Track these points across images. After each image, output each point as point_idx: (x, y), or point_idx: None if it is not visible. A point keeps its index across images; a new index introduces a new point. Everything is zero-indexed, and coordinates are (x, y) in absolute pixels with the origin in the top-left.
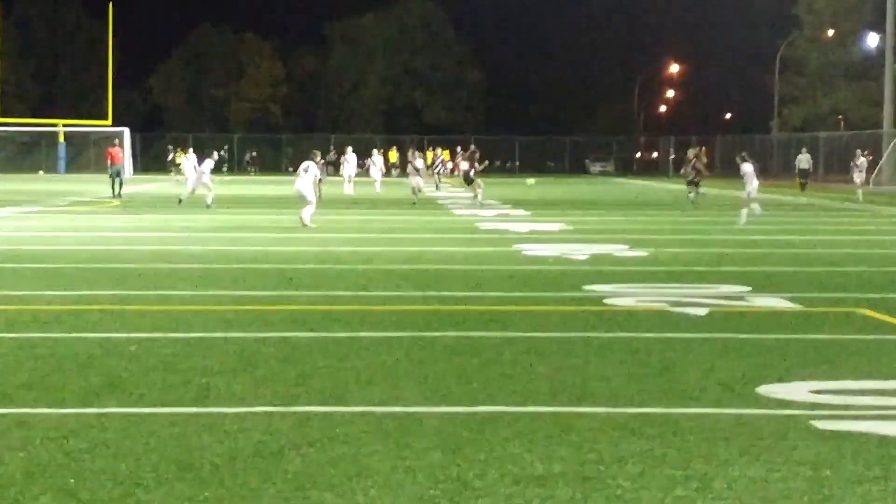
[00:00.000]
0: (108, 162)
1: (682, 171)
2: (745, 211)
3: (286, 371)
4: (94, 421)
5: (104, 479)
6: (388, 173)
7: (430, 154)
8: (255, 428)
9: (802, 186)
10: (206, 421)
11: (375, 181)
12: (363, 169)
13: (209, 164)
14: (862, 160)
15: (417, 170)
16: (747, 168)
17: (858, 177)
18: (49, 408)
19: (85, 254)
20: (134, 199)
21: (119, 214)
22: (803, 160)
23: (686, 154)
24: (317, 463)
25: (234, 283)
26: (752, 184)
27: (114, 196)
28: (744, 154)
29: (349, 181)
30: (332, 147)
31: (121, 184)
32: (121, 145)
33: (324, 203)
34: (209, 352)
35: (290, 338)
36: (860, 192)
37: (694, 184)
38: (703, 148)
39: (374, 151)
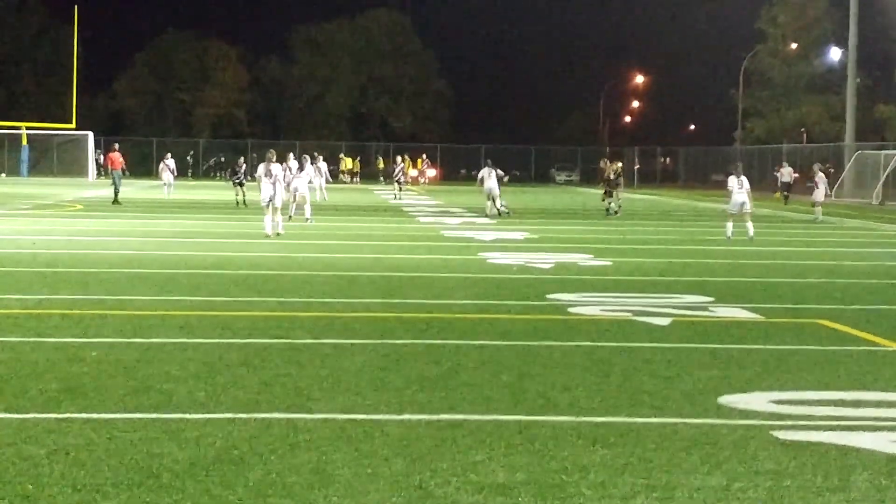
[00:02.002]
0: (109, 167)
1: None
2: (748, 224)
3: (248, 377)
4: (53, 426)
5: (63, 485)
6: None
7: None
8: (217, 434)
9: (785, 199)
10: (167, 427)
11: (321, 188)
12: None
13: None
14: (820, 175)
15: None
16: (731, 183)
17: (817, 193)
18: (7, 413)
19: (46, 258)
20: (96, 203)
21: (81, 218)
22: (785, 173)
23: (600, 166)
24: (279, 470)
25: (197, 289)
26: (733, 199)
27: (114, 200)
28: (730, 169)
29: (321, 188)
30: (271, 150)
31: (116, 189)
32: (119, 150)
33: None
34: (171, 357)
35: (252, 344)
36: (819, 209)
37: (608, 194)
38: (606, 161)
39: (318, 157)
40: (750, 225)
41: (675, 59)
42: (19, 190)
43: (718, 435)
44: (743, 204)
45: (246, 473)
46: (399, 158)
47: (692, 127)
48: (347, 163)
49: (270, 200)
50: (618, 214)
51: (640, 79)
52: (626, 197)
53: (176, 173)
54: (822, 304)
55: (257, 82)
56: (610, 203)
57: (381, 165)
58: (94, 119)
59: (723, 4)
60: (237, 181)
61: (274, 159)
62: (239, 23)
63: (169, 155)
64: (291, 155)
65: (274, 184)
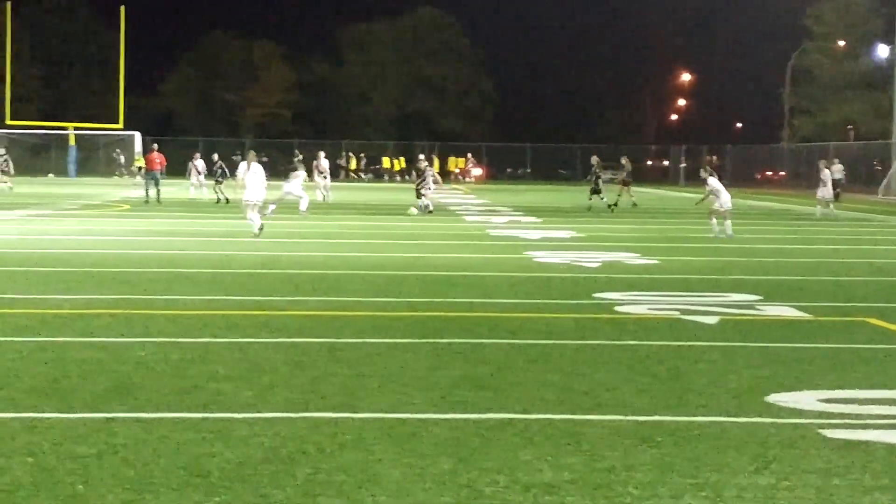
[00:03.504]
0: (146, 167)
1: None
2: (728, 223)
3: (296, 377)
4: (102, 426)
5: (113, 484)
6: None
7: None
8: (265, 434)
9: (836, 196)
10: (215, 426)
11: (325, 188)
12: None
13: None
14: (826, 172)
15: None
16: (714, 182)
17: (822, 191)
18: (57, 413)
19: (94, 257)
20: (143, 203)
21: (129, 218)
22: (836, 170)
23: (621, 162)
24: (326, 469)
25: (243, 289)
26: (724, 197)
27: (146, 200)
28: (708, 168)
29: (325, 189)
30: (296, 151)
31: (157, 190)
32: (160, 151)
33: (329, 207)
34: (218, 357)
35: (299, 343)
36: (825, 206)
37: (596, 192)
38: (627, 158)
39: (321, 154)
40: (728, 223)
41: (721, 57)
42: (67, 190)
43: (766, 434)
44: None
45: (294, 473)
46: (422, 157)
47: (738, 125)
48: (353, 162)
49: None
50: (614, 208)
51: (686, 77)
52: (673, 195)
53: (205, 173)
54: (871, 302)
55: (303, 82)
56: (619, 197)
57: (388, 165)
58: (141, 119)
59: (769, 2)
60: (217, 179)
61: (256, 159)
62: (285, 23)
63: (197, 155)
64: (322, 154)
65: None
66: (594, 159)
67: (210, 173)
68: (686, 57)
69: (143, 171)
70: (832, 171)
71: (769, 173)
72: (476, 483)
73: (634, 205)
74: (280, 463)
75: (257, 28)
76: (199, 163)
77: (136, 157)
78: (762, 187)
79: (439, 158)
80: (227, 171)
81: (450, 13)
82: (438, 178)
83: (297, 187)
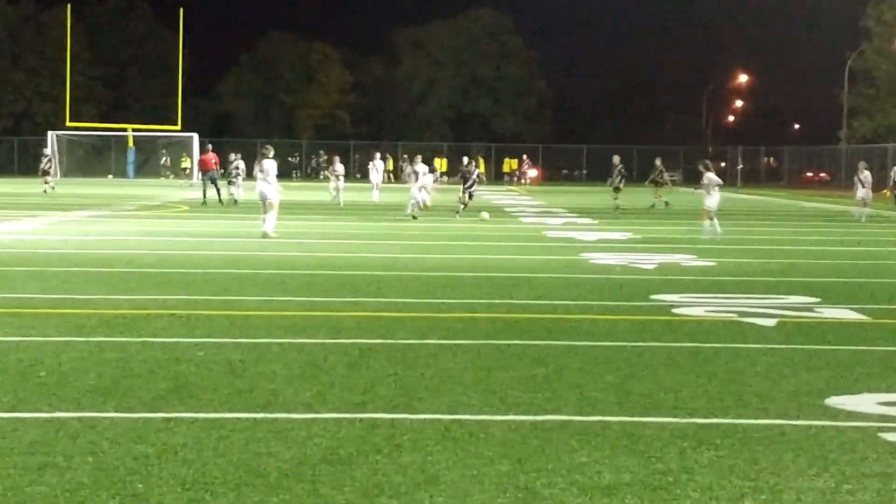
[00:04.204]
0: (202, 167)
1: (609, 181)
2: (714, 221)
3: (353, 378)
4: (162, 426)
5: (172, 483)
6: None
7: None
8: (323, 434)
9: None
10: (273, 427)
11: (374, 187)
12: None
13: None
14: (866, 174)
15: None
16: (712, 177)
17: (862, 192)
18: (117, 412)
19: (153, 258)
20: (201, 205)
21: (187, 219)
22: None
23: (656, 164)
24: (384, 470)
25: (301, 289)
26: (714, 196)
27: (204, 202)
28: (707, 162)
29: (376, 188)
30: (321, 152)
31: (217, 190)
32: (214, 151)
33: (377, 208)
34: (276, 357)
35: (357, 344)
36: (866, 209)
37: (616, 189)
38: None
39: (377, 155)
40: (715, 222)
41: (778, 58)
42: (126, 191)
43: (826, 437)
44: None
45: (352, 473)
46: (465, 159)
47: (796, 126)
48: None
49: (264, 198)
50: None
51: (743, 78)
52: (731, 196)
53: (245, 174)
54: None
55: (360, 84)
56: (658, 199)
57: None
58: (199, 121)
59: (828, 2)
60: (231, 179)
61: (270, 155)
62: (342, 25)
63: (238, 155)
64: (378, 154)
65: (266, 180)
66: (616, 158)
67: (226, 173)
68: (743, 58)
69: (188, 171)
70: (893, 172)
71: (822, 175)
72: (533, 485)
73: (666, 203)
74: (338, 464)
75: (315, 30)
76: (240, 163)
77: (183, 157)
78: (819, 188)
79: (494, 160)
80: (243, 170)
81: (505, 14)
82: (482, 176)
83: (270, 191)
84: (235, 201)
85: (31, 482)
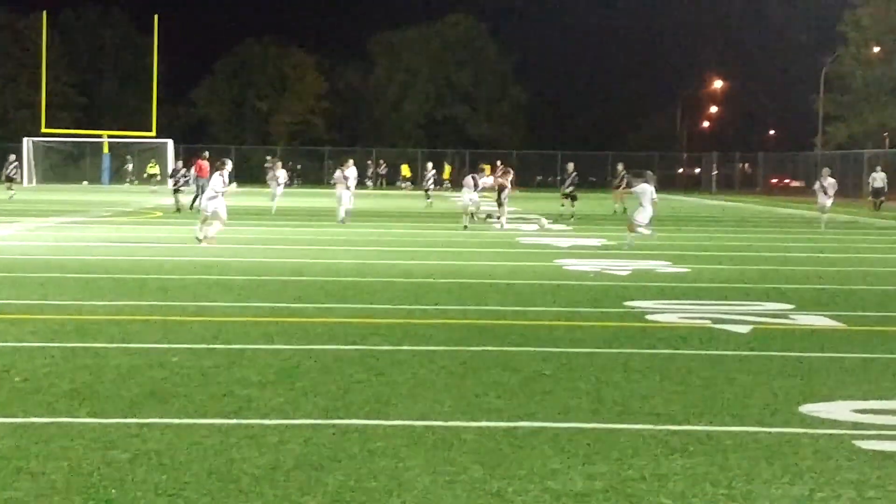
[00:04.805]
0: (195, 174)
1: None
2: (639, 233)
3: (327, 384)
4: (135, 431)
5: (146, 489)
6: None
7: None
8: (296, 440)
9: (878, 205)
10: (247, 432)
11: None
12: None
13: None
14: (831, 180)
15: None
16: (641, 189)
17: (824, 199)
18: (91, 418)
19: (128, 264)
20: (190, 210)
21: (161, 226)
22: (878, 178)
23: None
24: (357, 476)
25: (275, 296)
26: (648, 210)
27: (191, 208)
28: (649, 172)
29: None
30: (268, 157)
31: (194, 197)
32: (207, 159)
33: (354, 215)
34: (250, 363)
35: (330, 350)
36: (825, 216)
37: (571, 197)
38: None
39: (350, 162)
40: (631, 236)
41: (753, 64)
42: (101, 197)
43: (799, 444)
44: (651, 216)
45: (324, 479)
46: (430, 165)
47: (772, 132)
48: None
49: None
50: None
51: (718, 83)
52: (706, 203)
53: (193, 181)
54: None
55: (335, 90)
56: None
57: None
58: (174, 127)
59: (802, 8)
60: (178, 188)
61: (223, 169)
62: (317, 31)
63: (181, 162)
64: (351, 161)
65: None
66: (622, 166)
67: (175, 180)
68: (718, 64)
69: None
70: (874, 179)
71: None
72: (506, 491)
73: (623, 210)
74: (310, 469)
75: (289, 36)
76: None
77: (151, 163)
78: (794, 194)
79: (469, 165)
80: (189, 178)
81: (480, 20)
82: (440, 179)
83: (218, 204)
84: (178, 209)
85: (5, 487)
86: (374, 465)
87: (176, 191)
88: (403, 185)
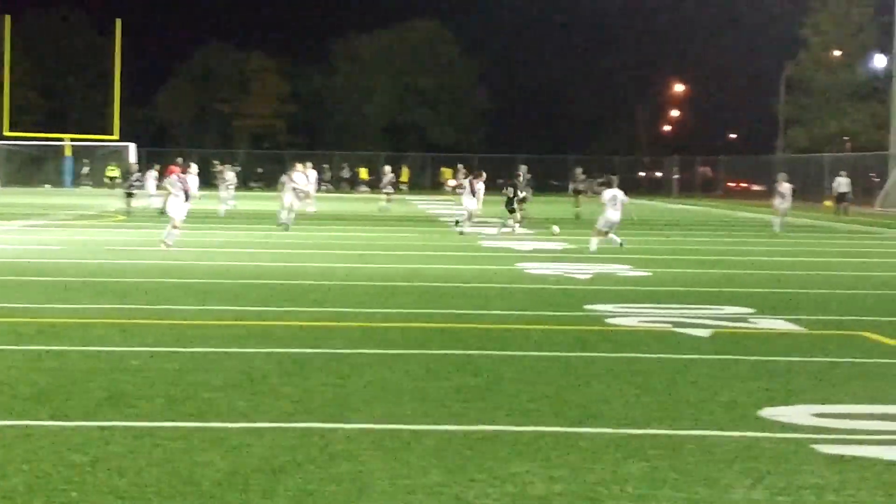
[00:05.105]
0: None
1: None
2: (604, 238)
3: (288, 387)
4: (97, 434)
5: (106, 492)
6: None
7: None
8: (257, 443)
9: (842, 210)
10: (208, 436)
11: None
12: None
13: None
14: (787, 185)
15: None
16: (606, 193)
17: (780, 204)
18: (53, 421)
19: (90, 267)
20: (138, 214)
21: (124, 228)
22: (843, 183)
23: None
24: (317, 479)
25: (237, 299)
26: (609, 214)
27: (161, 212)
28: (612, 178)
29: (308, 198)
30: (215, 162)
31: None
32: (179, 165)
33: (310, 218)
34: (212, 367)
35: (291, 354)
36: (779, 220)
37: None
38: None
39: (308, 165)
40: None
41: (715, 68)
42: (63, 201)
43: (760, 448)
44: (615, 223)
45: (285, 482)
46: (387, 168)
47: (733, 136)
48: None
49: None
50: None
51: (679, 87)
52: (666, 207)
53: (144, 184)
54: (867, 315)
55: (297, 93)
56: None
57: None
58: (136, 131)
59: (764, 12)
60: (130, 192)
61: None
62: (279, 35)
63: (136, 165)
64: (310, 164)
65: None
66: (579, 170)
67: (128, 183)
68: (679, 68)
69: (115, 180)
70: (838, 184)
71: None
72: (466, 495)
73: (576, 217)
74: (271, 473)
75: (252, 40)
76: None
77: (110, 167)
78: (754, 199)
79: (431, 169)
80: (142, 182)
81: (443, 25)
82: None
83: (177, 206)
84: (129, 212)
85: None
86: (335, 469)
87: (128, 194)
88: (361, 188)
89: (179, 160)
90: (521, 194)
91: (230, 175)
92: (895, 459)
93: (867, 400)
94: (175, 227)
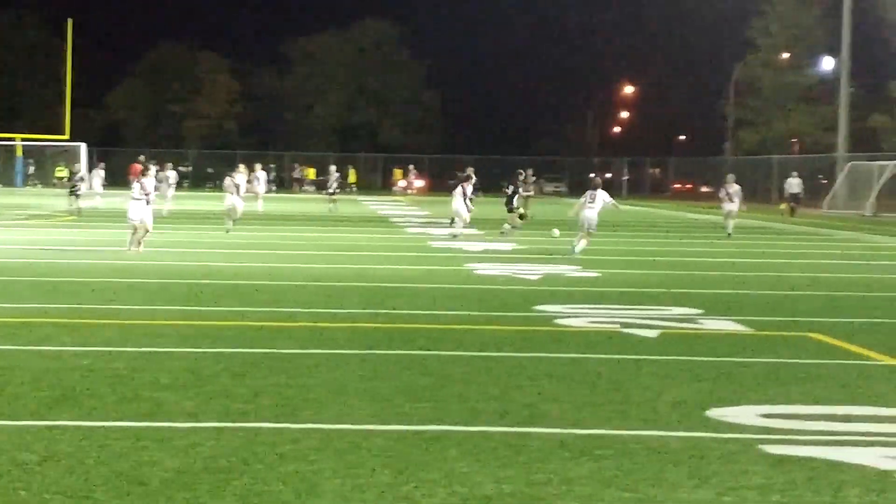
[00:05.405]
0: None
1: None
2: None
3: (237, 387)
4: (45, 434)
5: (55, 491)
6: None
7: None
8: (205, 443)
9: (792, 211)
10: (156, 435)
11: (257, 197)
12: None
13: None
14: (735, 187)
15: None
16: (590, 194)
17: (729, 205)
18: (2, 420)
19: (40, 267)
20: (90, 214)
21: (75, 228)
22: (794, 184)
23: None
24: (266, 479)
25: (187, 299)
26: (589, 213)
27: None
28: (596, 178)
29: (259, 198)
30: (147, 159)
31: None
32: (143, 163)
33: (262, 218)
34: (161, 366)
35: (240, 354)
36: (731, 222)
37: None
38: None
39: (257, 166)
40: (585, 242)
41: (664, 70)
42: (14, 200)
43: (707, 448)
44: (591, 223)
45: (233, 482)
46: (333, 168)
47: (682, 137)
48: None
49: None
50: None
51: (629, 89)
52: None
53: (91, 184)
54: (813, 316)
55: (248, 94)
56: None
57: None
58: (88, 131)
59: (713, 14)
60: (74, 191)
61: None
62: (231, 35)
63: (78, 165)
64: (259, 165)
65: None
66: (522, 172)
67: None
68: (629, 69)
69: (63, 181)
70: (790, 185)
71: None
72: (414, 494)
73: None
74: (219, 472)
75: (203, 40)
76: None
77: (59, 167)
78: (703, 200)
79: (382, 170)
80: (87, 180)
81: (394, 26)
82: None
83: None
84: (79, 210)
85: None
86: (283, 469)
87: (72, 194)
88: (307, 187)
89: (141, 157)
90: (521, 192)
91: (172, 174)
92: (840, 460)
93: (813, 400)
94: (147, 230)
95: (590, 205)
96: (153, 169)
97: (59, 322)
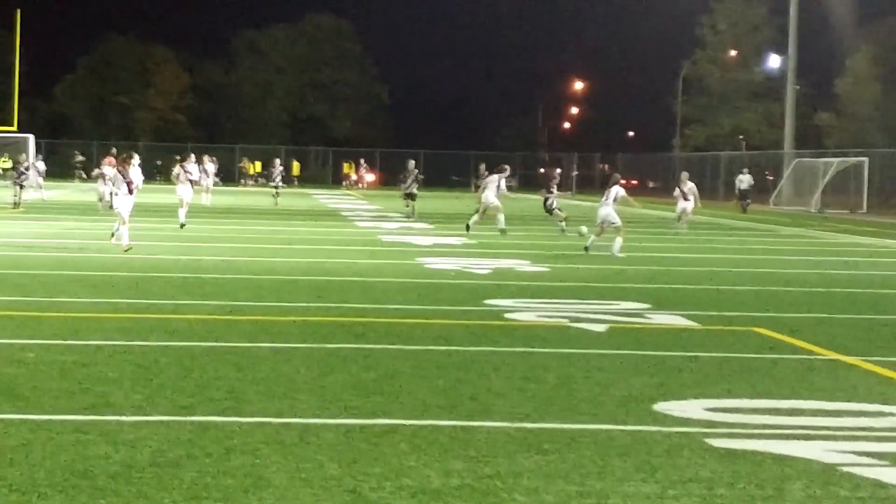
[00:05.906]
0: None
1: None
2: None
3: (184, 381)
4: None
5: (0, 485)
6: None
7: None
8: (152, 437)
9: (744, 208)
10: (103, 429)
11: (205, 190)
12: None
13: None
14: (690, 185)
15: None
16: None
17: (684, 204)
18: None
19: None
20: (36, 206)
21: (21, 220)
22: (744, 180)
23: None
24: (213, 473)
25: (134, 292)
26: (602, 210)
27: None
28: (615, 175)
29: (207, 191)
30: (76, 152)
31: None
32: (115, 156)
33: (210, 211)
34: (107, 360)
35: (188, 347)
36: (685, 220)
37: (410, 196)
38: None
39: (205, 158)
40: (619, 239)
41: (614, 65)
42: None
43: (653, 442)
44: (605, 219)
45: (180, 476)
46: (277, 161)
47: (631, 133)
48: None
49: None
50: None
51: (579, 85)
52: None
53: (41, 175)
54: (758, 311)
55: (198, 87)
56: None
57: (253, 170)
58: (36, 122)
59: (663, 11)
60: (19, 182)
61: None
62: (181, 27)
63: (24, 155)
64: (207, 157)
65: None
66: (411, 161)
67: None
68: (579, 65)
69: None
70: (740, 181)
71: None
72: (362, 488)
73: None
74: (166, 466)
75: (152, 32)
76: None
77: (3, 158)
78: (654, 195)
79: (332, 163)
80: (38, 172)
81: (345, 20)
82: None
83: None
84: (17, 203)
85: None
86: (230, 463)
87: (17, 184)
88: (250, 181)
89: (114, 150)
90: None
91: (109, 170)
92: (785, 453)
93: (758, 395)
94: (124, 223)
95: (605, 202)
96: (136, 158)
97: (4, 315)
